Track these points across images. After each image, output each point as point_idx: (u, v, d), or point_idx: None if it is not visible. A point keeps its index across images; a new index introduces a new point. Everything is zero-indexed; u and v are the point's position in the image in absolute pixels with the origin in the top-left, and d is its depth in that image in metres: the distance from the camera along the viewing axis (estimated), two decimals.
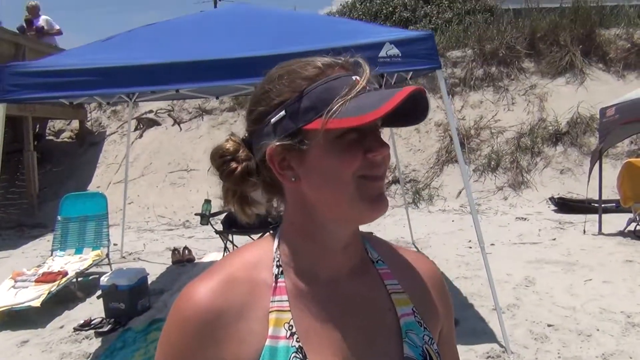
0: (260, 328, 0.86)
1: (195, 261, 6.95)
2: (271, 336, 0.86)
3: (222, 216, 6.79)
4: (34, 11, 11.54)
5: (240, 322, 0.87)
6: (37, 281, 5.31)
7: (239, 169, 0.95)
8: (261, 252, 0.94)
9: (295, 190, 0.90)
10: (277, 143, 0.87)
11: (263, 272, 0.91)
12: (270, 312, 0.87)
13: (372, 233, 1.10)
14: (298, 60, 0.91)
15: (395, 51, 3.62)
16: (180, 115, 12.76)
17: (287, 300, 0.89)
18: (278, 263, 0.92)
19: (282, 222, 0.96)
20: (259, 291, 0.89)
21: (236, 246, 6.53)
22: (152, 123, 12.64)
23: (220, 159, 0.97)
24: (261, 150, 0.90)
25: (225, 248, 6.44)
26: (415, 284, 1.00)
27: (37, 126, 12.70)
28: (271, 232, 1.01)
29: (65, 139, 13.05)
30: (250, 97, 0.95)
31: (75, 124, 12.99)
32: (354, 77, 0.85)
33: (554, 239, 7.32)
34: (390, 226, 8.66)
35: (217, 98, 7.29)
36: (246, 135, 0.96)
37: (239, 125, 12.20)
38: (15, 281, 5.34)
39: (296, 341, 0.86)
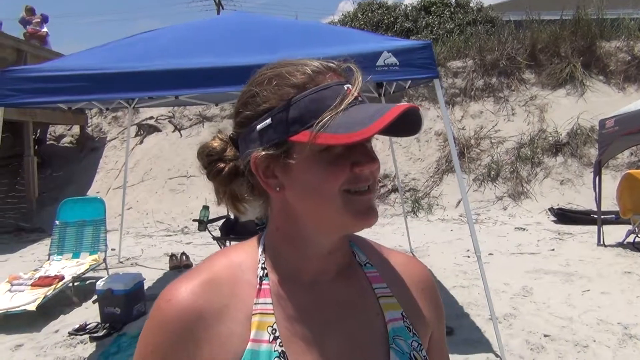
0: (242, 330, 0.85)
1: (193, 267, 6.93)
2: (253, 339, 0.84)
3: (220, 222, 6.79)
4: (30, 13, 11.63)
5: (222, 323, 0.86)
6: (33, 285, 5.29)
7: (226, 169, 0.95)
8: (247, 254, 0.93)
9: (280, 199, 0.89)
10: (263, 152, 0.85)
11: (247, 274, 0.90)
12: (253, 314, 0.86)
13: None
14: (288, 62, 0.88)
15: (393, 60, 3.63)
16: (181, 121, 12.78)
17: (271, 303, 0.88)
18: (263, 265, 0.91)
19: (268, 226, 0.95)
20: (242, 292, 0.88)
21: None
22: (153, 129, 12.66)
23: (207, 158, 0.96)
24: (247, 156, 0.88)
25: None
26: (405, 288, 0.99)
27: (38, 131, 12.73)
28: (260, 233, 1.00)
29: (66, 144, 13.07)
30: (238, 96, 0.93)
31: (76, 129, 13.02)
32: (345, 87, 0.83)
33: (553, 250, 7.30)
34: (388, 234, 8.65)
35: (216, 105, 7.31)
36: (233, 133, 0.95)
37: None
38: (12, 285, 5.33)
39: (279, 345, 0.85)
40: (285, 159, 0.84)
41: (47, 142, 13.10)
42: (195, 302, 0.85)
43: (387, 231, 8.99)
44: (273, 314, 0.87)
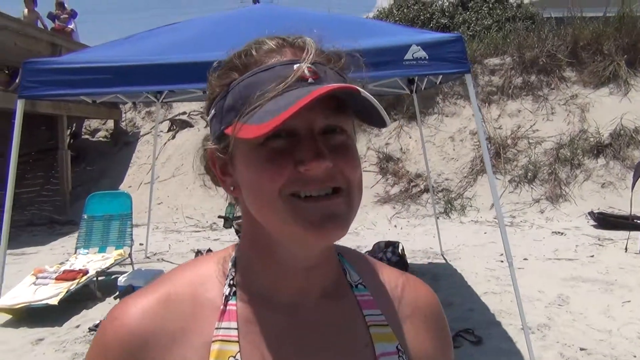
0: (197, 359, 0.71)
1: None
2: None
3: None
4: (60, 7, 11.77)
5: (175, 350, 0.72)
6: (57, 279, 5.29)
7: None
8: (216, 267, 0.79)
9: (241, 200, 0.75)
10: (212, 145, 0.74)
11: (212, 291, 0.76)
12: (213, 341, 0.72)
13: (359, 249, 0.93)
14: (249, 42, 0.76)
15: (422, 54, 3.44)
16: None
17: (235, 329, 0.73)
18: (232, 281, 0.77)
19: (242, 232, 0.81)
20: (202, 314, 0.74)
21: None
22: (185, 125, 12.69)
23: (203, 161, 0.85)
24: (205, 151, 0.78)
25: None
26: (404, 316, 0.83)
27: (74, 125, 12.92)
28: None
29: (100, 139, 13.22)
30: None
31: (110, 123, 13.16)
32: (295, 66, 0.69)
33: (592, 256, 6.96)
34: (419, 236, 8.44)
35: None
36: None
37: None
38: (37, 278, 5.34)
39: None
40: (229, 154, 0.72)
41: (82, 136, 13.28)
42: (142, 324, 0.72)
43: (418, 232, 8.77)
44: (237, 341, 0.72)
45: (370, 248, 6.60)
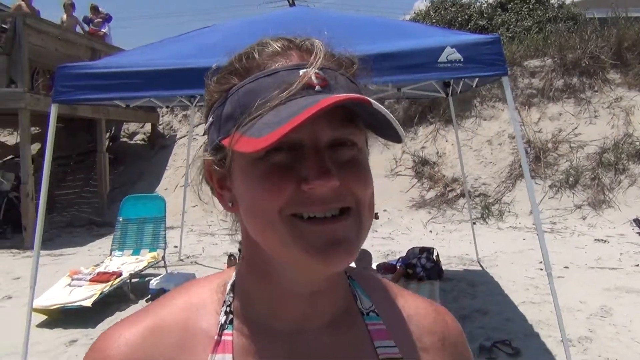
0: None
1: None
2: None
3: None
4: (94, 12, 12.01)
5: None
6: (91, 280, 5.35)
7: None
8: (211, 292, 0.72)
9: (240, 218, 0.68)
10: (209, 157, 0.67)
11: (206, 319, 0.69)
12: None
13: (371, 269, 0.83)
14: (254, 43, 0.69)
15: (456, 56, 3.33)
16: None
17: None
18: (229, 308, 0.69)
19: (241, 254, 0.74)
20: (193, 345, 0.67)
21: None
22: None
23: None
24: (202, 163, 0.71)
25: None
26: (425, 347, 0.74)
27: (113, 128, 13.17)
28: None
29: (138, 142, 13.44)
30: None
31: (148, 127, 13.36)
32: (301, 71, 0.61)
33: (637, 265, 6.67)
34: (455, 242, 8.26)
35: None
36: None
37: None
38: (72, 279, 5.42)
39: None
40: (226, 166, 0.65)
41: (121, 139, 13.53)
42: (128, 358, 0.65)
43: (454, 238, 8.59)
44: None
45: (404, 253, 6.48)
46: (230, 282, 0.72)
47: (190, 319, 0.69)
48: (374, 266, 5.91)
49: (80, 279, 5.37)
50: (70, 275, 5.52)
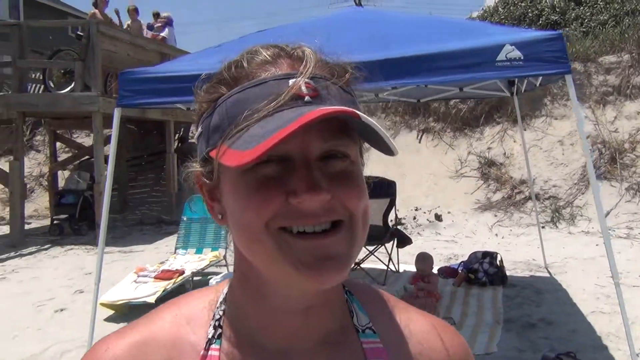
0: None
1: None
2: None
3: None
4: (156, 17, 12.39)
5: None
6: (156, 277, 5.53)
7: None
8: (202, 305, 0.71)
9: (231, 230, 0.66)
10: (199, 169, 0.66)
11: (197, 333, 0.68)
12: None
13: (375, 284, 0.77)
14: (245, 50, 0.67)
15: (516, 54, 3.19)
16: None
17: None
18: (218, 323, 0.68)
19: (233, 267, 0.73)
20: (180, 359, 0.66)
21: None
22: None
23: None
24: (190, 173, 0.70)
25: None
26: None
27: (182, 129, 13.59)
28: None
29: None
30: None
31: None
32: (291, 81, 0.59)
33: None
34: (521, 246, 7.96)
35: (418, 101, 7.08)
36: None
37: None
38: (138, 276, 5.62)
39: None
40: (214, 178, 0.64)
41: (189, 140, 13.94)
42: None
43: (521, 242, 8.29)
44: None
45: (466, 258, 6.32)
46: (222, 296, 0.71)
47: (179, 333, 0.68)
48: (435, 270, 5.79)
49: (145, 276, 5.56)
50: (136, 272, 5.73)
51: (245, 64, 0.64)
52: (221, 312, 0.69)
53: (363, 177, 0.65)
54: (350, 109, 0.56)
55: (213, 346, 0.66)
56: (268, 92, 0.59)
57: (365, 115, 0.56)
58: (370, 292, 0.76)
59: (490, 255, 5.99)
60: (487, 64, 3.25)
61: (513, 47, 3.20)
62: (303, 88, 0.59)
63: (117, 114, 3.83)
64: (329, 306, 0.69)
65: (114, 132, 3.82)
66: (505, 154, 10.52)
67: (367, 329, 0.70)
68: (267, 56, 0.64)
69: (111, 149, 3.85)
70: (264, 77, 0.61)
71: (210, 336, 0.67)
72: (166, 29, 12.31)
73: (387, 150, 0.60)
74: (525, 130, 10.84)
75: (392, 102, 9.88)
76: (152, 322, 0.70)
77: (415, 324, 0.73)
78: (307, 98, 0.59)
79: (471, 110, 11.50)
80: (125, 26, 11.33)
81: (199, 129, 0.66)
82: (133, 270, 5.93)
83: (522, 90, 5.40)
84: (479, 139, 11.02)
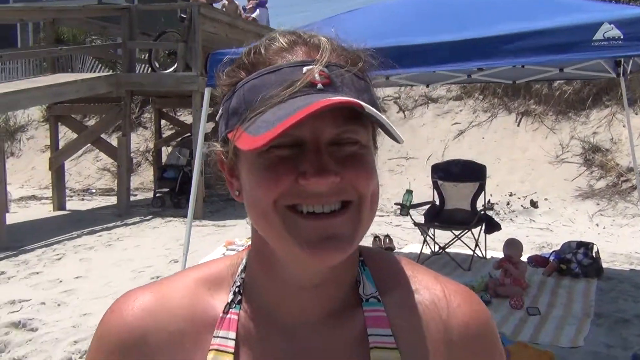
0: None
1: (395, 250, 6.85)
2: None
3: (425, 208, 6.58)
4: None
5: (169, 354, 0.70)
6: (250, 242, 5.77)
7: None
8: (227, 270, 0.76)
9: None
10: (220, 148, 0.70)
11: (217, 296, 0.73)
12: (210, 349, 0.70)
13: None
14: (263, 37, 0.70)
15: (615, 32, 2.97)
16: (406, 102, 12.74)
17: (233, 339, 0.70)
18: (238, 289, 0.73)
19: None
20: (202, 320, 0.72)
21: (437, 242, 6.27)
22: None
23: None
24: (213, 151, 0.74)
25: (425, 242, 6.23)
26: (432, 341, 0.70)
27: None
28: None
29: None
30: None
31: None
32: (305, 68, 0.62)
33: None
34: (625, 238, 7.49)
35: (427, 86, 7.00)
36: None
37: (463, 115, 11.74)
38: (227, 249, 5.90)
39: None
40: (231, 157, 0.68)
41: None
42: (139, 321, 0.71)
43: (624, 233, 7.79)
44: (233, 353, 0.69)
45: (559, 247, 6.03)
46: (243, 263, 0.75)
47: (203, 294, 0.73)
48: (524, 258, 5.58)
49: (234, 250, 5.82)
50: (225, 245, 6.01)
51: (263, 50, 0.67)
52: (241, 280, 0.73)
53: (374, 160, 0.67)
54: (355, 101, 0.58)
55: (232, 310, 0.71)
56: (282, 78, 0.62)
57: (369, 106, 0.58)
58: (385, 260, 0.76)
59: (586, 246, 5.68)
60: (582, 44, 3.06)
61: (612, 25, 2.99)
62: (316, 76, 0.62)
63: (207, 93, 4.01)
64: (340, 281, 0.71)
65: (204, 110, 4.01)
66: (612, 139, 9.84)
67: (371, 298, 0.71)
68: (284, 43, 0.66)
69: (201, 126, 4.04)
70: (279, 63, 0.64)
71: (229, 300, 0.72)
72: (257, 10, 12.56)
73: (394, 137, 0.62)
74: (637, 114, 10.08)
75: (488, 84, 9.52)
76: (179, 281, 0.75)
77: (424, 291, 0.73)
78: (319, 86, 0.61)
79: (577, 92, 10.84)
80: (220, 6, 11.67)
81: (220, 110, 0.70)
82: (223, 244, 6.22)
83: (629, 71, 5.01)
84: (584, 123, 10.39)
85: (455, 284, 0.75)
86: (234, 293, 0.72)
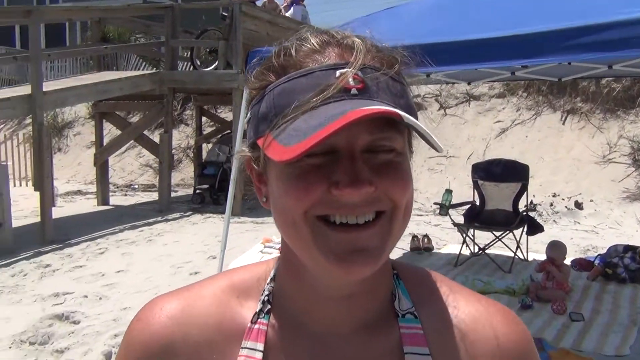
0: None
1: (433, 251, 6.75)
2: None
3: (465, 208, 6.47)
4: None
5: None
6: (279, 250, 5.77)
7: None
8: (257, 279, 0.73)
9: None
10: (248, 153, 0.67)
11: (246, 305, 0.71)
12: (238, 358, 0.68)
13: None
14: (293, 38, 0.67)
15: None
16: (447, 100, 12.55)
17: (261, 351, 0.67)
18: (267, 298, 0.70)
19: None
20: (230, 329, 0.70)
21: (476, 243, 6.15)
22: (418, 107, 12.65)
23: None
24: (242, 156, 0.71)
25: (464, 242, 6.11)
26: (467, 359, 0.67)
27: None
28: None
29: None
30: None
31: None
32: (338, 72, 0.59)
33: None
34: None
35: (468, 83, 6.86)
36: None
37: (506, 113, 11.49)
38: (264, 246, 5.91)
39: None
40: (261, 164, 0.65)
41: None
42: (165, 329, 0.70)
43: None
44: None
45: (605, 251, 5.83)
46: (272, 272, 0.72)
47: (232, 302, 0.71)
48: (568, 261, 5.41)
49: (271, 247, 5.83)
50: (263, 243, 6.03)
51: (293, 52, 0.64)
52: (271, 288, 0.71)
53: (409, 167, 0.64)
54: (393, 110, 0.55)
55: (261, 320, 0.69)
56: (315, 83, 0.59)
57: (407, 116, 0.55)
58: (420, 275, 0.74)
59: (633, 250, 5.47)
60: (634, 40, 2.91)
61: None
62: (350, 80, 0.59)
63: (246, 90, 4.01)
64: (373, 293, 0.68)
65: (243, 107, 4.02)
66: None
67: (408, 314, 0.69)
68: (315, 44, 0.63)
69: (240, 123, 4.06)
70: (310, 67, 0.61)
71: (258, 310, 0.70)
72: (291, 9, 12.58)
73: (432, 145, 0.59)
74: None
75: (532, 81, 9.28)
76: (207, 288, 0.73)
77: (464, 309, 0.70)
78: (353, 91, 0.58)
79: (626, 90, 10.48)
80: (260, 4, 11.75)
81: (249, 114, 0.67)
82: (260, 241, 6.24)
83: None
84: (634, 122, 10.03)
85: (495, 303, 0.72)
86: (263, 302, 0.70)
